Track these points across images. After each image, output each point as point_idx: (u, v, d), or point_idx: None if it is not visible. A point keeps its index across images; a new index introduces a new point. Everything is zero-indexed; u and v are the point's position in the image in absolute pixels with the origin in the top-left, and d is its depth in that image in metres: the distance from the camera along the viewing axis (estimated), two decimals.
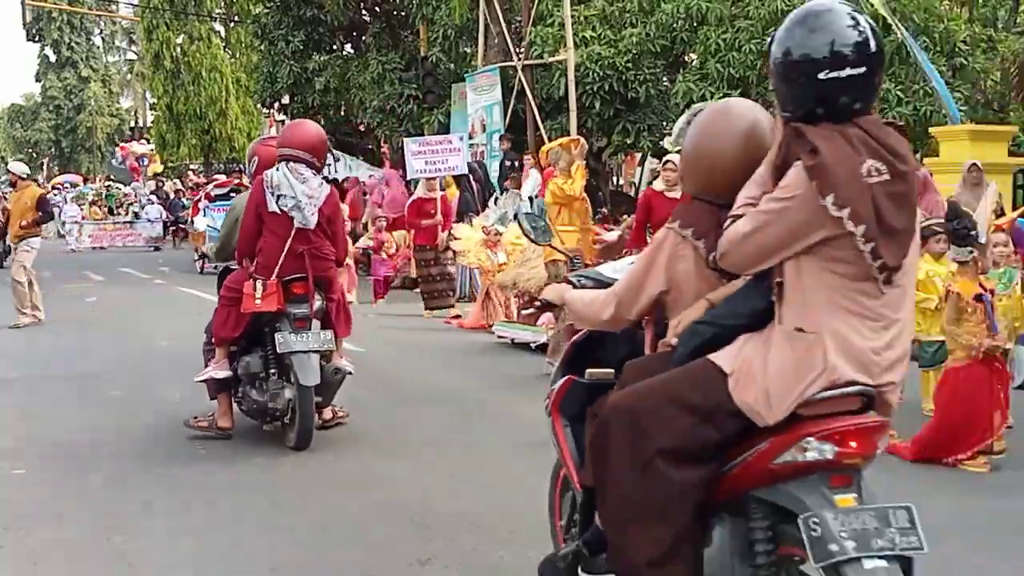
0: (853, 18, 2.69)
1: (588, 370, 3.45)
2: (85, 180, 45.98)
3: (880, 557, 2.56)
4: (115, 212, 34.08)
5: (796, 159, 2.66)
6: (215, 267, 11.87)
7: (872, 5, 14.56)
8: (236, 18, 34.04)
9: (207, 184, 24.16)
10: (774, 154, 2.76)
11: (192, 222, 22.79)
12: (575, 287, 3.49)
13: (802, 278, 2.68)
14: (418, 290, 13.79)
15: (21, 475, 5.83)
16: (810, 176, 2.62)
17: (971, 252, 5.74)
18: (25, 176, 12.86)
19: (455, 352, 10.29)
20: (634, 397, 2.91)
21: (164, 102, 36.17)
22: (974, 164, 10.36)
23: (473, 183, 16.35)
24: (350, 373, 6.43)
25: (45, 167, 62.06)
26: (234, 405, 6.43)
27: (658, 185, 8.81)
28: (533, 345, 9.80)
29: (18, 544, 4.66)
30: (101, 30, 63.70)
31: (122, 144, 44.79)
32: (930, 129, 13.71)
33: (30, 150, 66.14)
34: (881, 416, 2.72)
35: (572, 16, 16.42)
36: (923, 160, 13.02)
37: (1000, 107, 17.63)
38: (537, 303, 3.75)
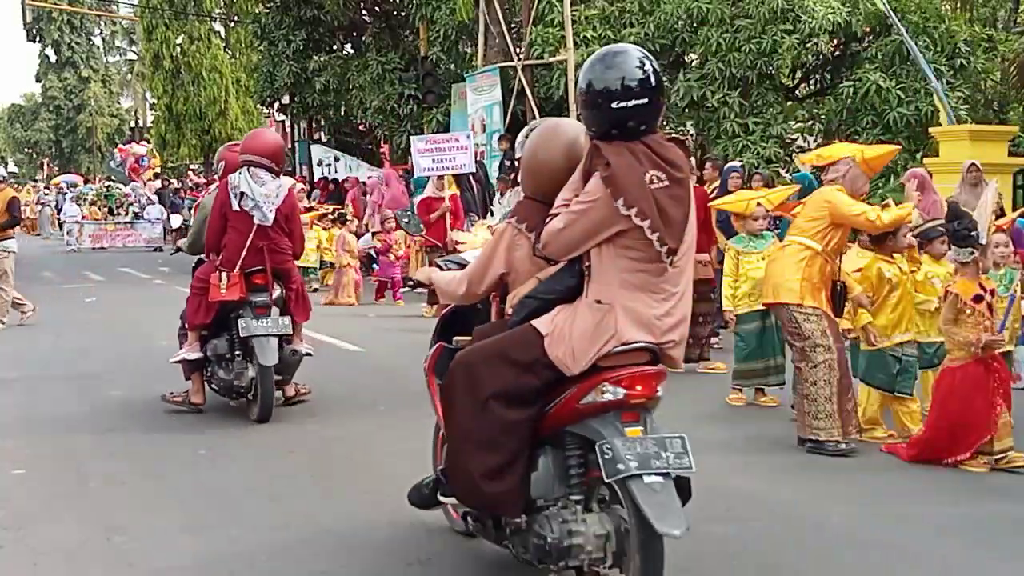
0: (640, 60, 3.51)
1: (455, 338, 4.16)
2: (85, 180, 45.93)
3: (658, 474, 3.30)
4: (115, 212, 34.07)
5: (596, 170, 3.45)
6: None
7: (874, 4, 14.57)
8: (236, 18, 34.03)
9: (208, 184, 24.11)
10: (583, 164, 3.56)
11: (170, 219, 22.97)
12: (442, 270, 4.32)
13: (602, 262, 3.52)
14: (423, 288, 13.73)
15: (21, 475, 5.83)
16: (605, 184, 3.44)
17: (972, 253, 5.74)
18: (1, 179, 12.54)
19: None
20: (473, 354, 3.75)
21: (164, 102, 36.13)
22: (973, 164, 10.37)
23: (473, 183, 16.33)
24: (308, 354, 7.17)
25: (45, 167, 62.06)
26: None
27: None
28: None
29: (18, 544, 4.66)
30: (101, 30, 63.67)
31: (121, 146, 44.68)
32: (930, 129, 13.70)
33: (30, 150, 66.14)
34: (668, 367, 3.62)
35: (572, 16, 16.42)
36: (923, 160, 13.01)
37: (1000, 107, 17.63)
38: (410, 283, 4.62)
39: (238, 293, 6.68)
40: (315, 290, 15.01)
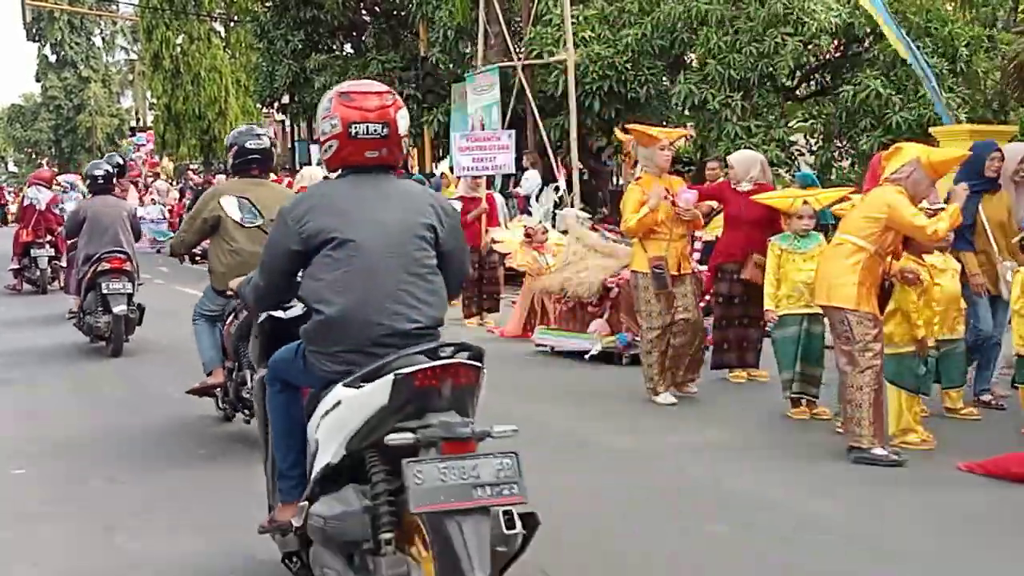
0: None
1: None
2: (84, 180, 45.75)
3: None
4: None
5: None
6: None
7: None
8: (236, 18, 34.03)
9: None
10: None
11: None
12: None
13: None
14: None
15: (21, 475, 5.84)
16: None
17: None
18: None
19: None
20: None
21: (164, 102, 36.13)
22: None
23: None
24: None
25: (45, 167, 61.98)
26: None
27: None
28: (587, 356, 9.06)
29: (18, 544, 4.67)
30: (101, 30, 63.67)
31: (150, 132, 44.15)
32: (930, 129, 13.68)
33: (30, 150, 66.12)
34: None
35: (571, 16, 16.41)
36: None
37: (1000, 107, 17.60)
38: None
39: (32, 238, 15.27)
40: None
